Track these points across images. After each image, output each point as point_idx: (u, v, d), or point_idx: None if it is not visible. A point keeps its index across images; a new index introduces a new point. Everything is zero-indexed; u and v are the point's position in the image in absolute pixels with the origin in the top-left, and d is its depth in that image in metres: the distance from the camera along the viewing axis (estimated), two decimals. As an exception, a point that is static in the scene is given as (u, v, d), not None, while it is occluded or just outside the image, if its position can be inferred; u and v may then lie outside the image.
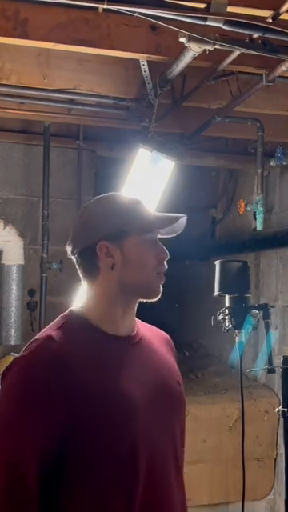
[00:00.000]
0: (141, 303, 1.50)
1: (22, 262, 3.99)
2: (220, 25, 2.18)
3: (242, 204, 3.85)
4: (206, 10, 2.16)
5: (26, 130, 4.16)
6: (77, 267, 1.49)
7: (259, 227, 3.49)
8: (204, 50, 2.33)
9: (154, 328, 1.60)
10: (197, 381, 4.74)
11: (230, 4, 2.18)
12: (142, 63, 2.90)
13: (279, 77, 2.71)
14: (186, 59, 2.47)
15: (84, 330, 1.42)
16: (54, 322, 1.45)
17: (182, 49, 2.42)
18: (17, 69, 3.03)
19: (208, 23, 2.17)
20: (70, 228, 1.51)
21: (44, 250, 3.98)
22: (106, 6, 2.18)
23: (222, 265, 3.03)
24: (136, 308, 1.50)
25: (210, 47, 2.30)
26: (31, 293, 4.17)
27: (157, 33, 2.52)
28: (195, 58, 2.45)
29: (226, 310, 2.96)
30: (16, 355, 1.40)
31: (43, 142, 4.01)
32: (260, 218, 3.47)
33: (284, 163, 3.94)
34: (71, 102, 3.31)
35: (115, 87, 3.15)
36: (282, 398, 2.96)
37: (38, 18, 2.40)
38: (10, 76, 3.03)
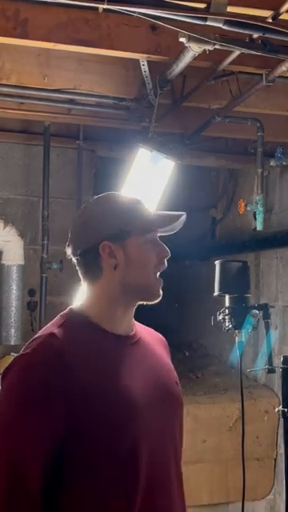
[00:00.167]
0: (141, 304, 1.51)
1: (21, 262, 3.99)
2: (220, 25, 2.18)
3: (242, 204, 3.85)
4: (206, 10, 2.16)
5: (26, 130, 4.16)
6: (77, 268, 1.49)
7: (259, 227, 3.49)
8: (204, 50, 2.33)
9: (151, 329, 1.61)
10: (197, 381, 4.74)
11: (230, 4, 2.18)
12: (141, 63, 2.90)
13: (279, 77, 2.71)
14: (186, 59, 2.47)
15: (85, 328, 1.42)
16: (54, 320, 1.44)
17: (182, 49, 2.42)
18: (17, 69, 3.03)
19: (208, 23, 2.17)
20: (70, 228, 1.51)
21: (44, 249, 3.98)
22: (106, 6, 2.18)
23: (221, 265, 3.03)
24: (135, 309, 1.50)
25: (210, 47, 2.31)
26: (31, 293, 4.17)
27: (157, 33, 2.52)
28: (195, 58, 2.45)
29: (226, 310, 2.96)
30: (16, 355, 1.40)
31: (43, 142, 4.01)
32: (260, 218, 3.47)
33: (284, 163, 3.94)
34: (71, 101, 3.31)
35: (115, 87, 3.15)
36: (282, 397, 2.96)
37: (38, 18, 2.40)
38: (10, 76, 3.03)
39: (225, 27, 2.19)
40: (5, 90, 3.11)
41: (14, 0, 2.39)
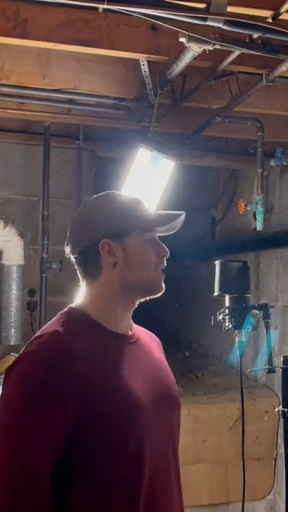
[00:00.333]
0: (142, 302, 1.51)
1: (21, 262, 3.99)
2: (220, 25, 2.18)
3: (242, 204, 3.85)
4: (206, 10, 2.16)
5: (26, 130, 4.16)
6: (76, 267, 1.49)
7: (259, 227, 3.49)
8: (204, 50, 2.33)
9: (145, 329, 1.61)
10: (197, 381, 4.75)
11: (230, 4, 2.18)
12: (142, 63, 2.90)
13: (279, 77, 2.71)
14: (186, 59, 2.47)
15: (86, 326, 1.42)
16: (55, 319, 1.44)
17: (182, 49, 2.42)
18: (17, 69, 3.03)
19: (208, 23, 2.17)
20: (69, 227, 1.51)
21: (44, 250, 3.99)
22: (106, 6, 2.18)
23: (221, 265, 3.03)
24: (134, 309, 1.50)
25: (210, 47, 2.31)
26: (31, 293, 4.17)
27: (157, 33, 2.52)
28: (195, 58, 2.45)
29: (226, 310, 2.96)
30: (16, 355, 1.40)
31: (43, 142, 4.01)
32: (260, 218, 3.47)
33: (284, 163, 3.94)
34: (71, 101, 3.31)
35: (115, 87, 3.15)
36: (282, 397, 2.96)
37: (38, 18, 2.40)
38: (10, 76, 3.03)
39: (225, 27, 2.19)
40: (5, 89, 3.11)
41: (14, 0, 2.39)
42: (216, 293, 3.03)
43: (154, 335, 1.63)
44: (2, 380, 1.35)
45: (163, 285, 1.48)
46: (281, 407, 2.94)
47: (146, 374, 1.44)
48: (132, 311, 1.49)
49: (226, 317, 2.95)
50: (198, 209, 5.51)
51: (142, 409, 1.36)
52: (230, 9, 2.19)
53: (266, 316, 2.98)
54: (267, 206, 3.96)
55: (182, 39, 2.27)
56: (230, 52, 2.48)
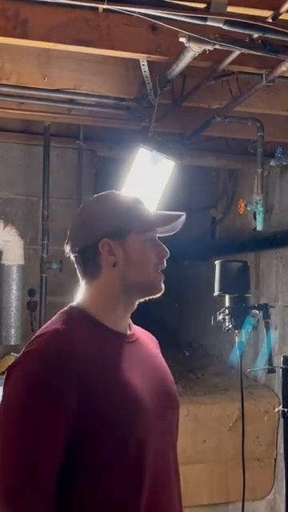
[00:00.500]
0: (142, 302, 1.51)
1: (22, 262, 3.99)
2: (220, 25, 2.18)
3: (242, 204, 3.85)
4: (206, 10, 2.16)
5: (26, 130, 4.16)
6: (76, 266, 1.49)
7: (259, 227, 3.49)
8: (204, 50, 2.33)
9: (143, 329, 1.61)
10: (197, 381, 4.74)
11: (230, 4, 2.18)
12: (142, 63, 2.90)
13: (279, 77, 2.71)
14: (186, 59, 2.47)
15: (87, 324, 1.42)
16: (56, 317, 1.44)
17: (182, 49, 2.42)
18: (17, 69, 3.03)
19: (208, 23, 2.17)
20: (69, 226, 1.51)
21: (44, 250, 3.98)
22: (106, 6, 2.18)
23: (221, 265, 3.03)
24: (134, 308, 1.50)
25: (210, 47, 2.31)
26: (31, 293, 4.17)
27: (157, 33, 2.52)
28: (195, 58, 2.45)
29: (226, 310, 2.96)
30: (16, 355, 1.40)
31: (43, 142, 4.01)
32: (260, 218, 3.47)
33: (284, 163, 3.94)
34: (71, 101, 3.31)
35: (115, 87, 3.15)
36: (282, 397, 2.96)
37: (38, 18, 2.40)
38: (10, 76, 3.03)
39: (225, 27, 2.19)
40: (5, 89, 3.11)
41: (14, 0, 2.39)
42: (216, 293, 3.03)
43: (151, 335, 1.63)
44: (4, 380, 1.35)
45: (163, 285, 1.48)
46: (281, 407, 2.94)
47: (146, 374, 1.45)
48: (131, 311, 1.49)
49: (226, 317, 2.95)
50: (198, 209, 5.51)
51: (143, 408, 1.36)
52: (230, 9, 2.19)
53: (266, 316, 2.98)
54: (267, 206, 3.96)
55: (181, 39, 2.28)
56: (230, 52, 2.48)
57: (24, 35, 2.43)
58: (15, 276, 3.95)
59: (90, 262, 1.45)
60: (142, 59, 2.81)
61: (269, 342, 2.98)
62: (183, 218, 1.49)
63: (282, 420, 3.08)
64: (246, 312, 2.94)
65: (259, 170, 3.57)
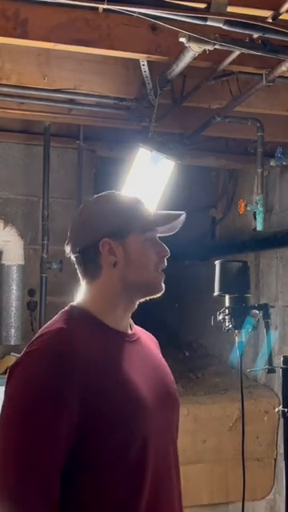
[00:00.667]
0: (142, 302, 1.51)
1: (22, 262, 3.99)
2: (220, 25, 2.18)
3: (242, 204, 3.85)
4: (206, 10, 2.17)
5: (26, 130, 4.16)
6: (76, 266, 1.49)
7: (259, 227, 3.49)
8: (204, 50, 2.34)
9: (143, 329, 1.61)
10: (197, 381, 4.74)
11: (230, 4, 2.18)
12: (142, 63, 2.90)
13: (279, 77, 2.71)
14: (186, 59, 2.47)
15: (88, 323, 1.42)
16: (57, 317, 1.44)
17: (182, 49, 2.42)
18: (17, 69, 3.03)
19: (208, 23, 2.17)
20: (69, 227, 1.51)
21: (44, 250, 3.98)
22: (106, 6, 2.18)
23: (221, 265, 3.03)
24: (135, 308, 1.50)
25: (209, 47, 2.31)
26: (31, 293, 4.16)
27: (157, 33, 2.52)
28: (195, 58, 2.45)
29: (226, 310, 2.96)
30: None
31: (43, 142, 4.01)
32: (260, 218, 3.47)
33: (284, 163, 3.94)
34: (71, 101, 3.31)
35: (115, 87, 3.15)
36: (282, 397, 2.96)
37: (38, 18, 2.40)
38: (10, 76, 3.03)
39: (225, 27, 2.19)
40: (5, 89, 3.11)
41: (14, 0, 2.39)
42: (216, 293, 3.03)
43: (151, 335, 1.63)
44: (5, 380, 1.35)
45: (163, 285, 1.48)
46: (281, 407, 2.94)
47: (147, 373, 1.45)
48: (132, 311, 1.49)
49: (226, 317, 2.95)
50: (198, 209, 5.51)
51: (145, 408, 1.37)
52: (230, 9, 2.19)
53: (266, 316, 2.97)
54: (267, 206, 3.96)
55: (182, 39, 2.28)
56: (230, 52, 2.48)
57: (24, 35, 2.43)
58: (15, 276, 3.95)
59: (90, 261, 1.45)
60: (142, 59, 2.81)
61: (269, 342, 2.98)
62: (183, 217, 1.50)
63: (282, 420, 3.08)
64: (246, 312, 2.94)
65: (259, 170, 3.57)
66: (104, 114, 3.43)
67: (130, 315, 1.50)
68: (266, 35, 2.28)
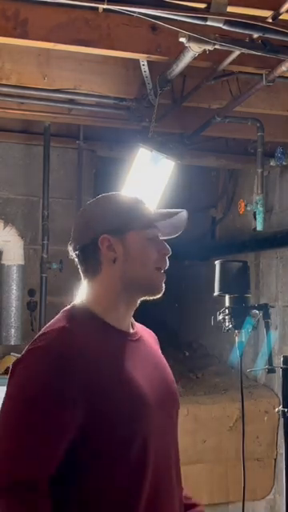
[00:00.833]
0: (142, 302, 1.51)
1: (22, 262, 3.99)
2: (220, 25, 2.18)
3: (242, 204, 3.85)
4: (206, 10, 2.17)
5: (26, 130, 4.16)
6: (78, 265, 1.49)
7: (259, 227, 3.49)
8: (204, 50, 2.34)
9: (143, 326, 1.61)
10: (197, 381, 4.74)
11: (230, 4, 2.19)
12: (142, 63, 2.90)
13: (279, 77, 2.71)
14: (186, 59, 2.47)
15: (90, 323, 1.42)
16: (59, 316, 1.44)
17: (182, 49, 2.42)
18: (17, 69, 3.03)
19: (208, 23, 2.17)
20: (72, 228, 1.52)
21: (44, 250, 3.98)
22: (106, 6, 2.18)
23: (221, 265, 3.03)
24: (137, 307, 1.50)
25: (209, 47, 2.31)
26: (31, 293, 4.16)
27: (157, 33, 2.52)
28: (195, 58, 2.45)
29: (226, 310, 2.96)
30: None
31: (43, 142, 4.01)
32: (260, 218, 3.47)
33: (284, 163, 3.94)
34: (71, 101, 3.31)
35: (115, 87, 3.15)
36: (282, 397, 2.96)
37: (38, 18, 2.40)
38: (10, 76, 3.03)
39: (225, 27, 2.19)
40: (5, 89, 3.11)
41: (14, 0, 2.39)
42: (216, 293, 3.03)
43: (151, 331, 1.63)
44: (8, 377, 1.35)
45: (163, 285, 1.48)
46: (281, 407, 2.93)
47: (149, 372, 1.45)
48: (133, 309, 1.50)
49: (226, 317, 2.95)
50: (198, 209, 5.51)
51: (147, 407, 1.37)
52: (230, 9, 2.19)
53: (266, 316, 2.97)
54: (267, 206, 3.96)
55: (182, 39, 2.28)
56: (230, 52, 2.48)
57: (24, 35, 2.43)
58: (15, 276, 3.95)
59: (90, 258, 1.46)
60: (142, 59, 2.81)
61: (269, 342, 2.98)
62: (185, 218, 1.50)
63: (282, 420, 3.07)
64: (246, 312, 2.94)
65: (259, 170, 3.57)
66: (104, 113, 3.43)
67: (132, 314, 1.50)
68: (266, 35, 2.28)
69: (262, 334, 3.23)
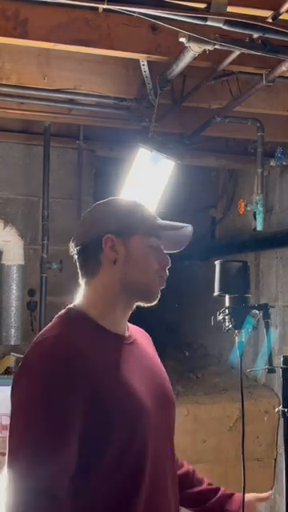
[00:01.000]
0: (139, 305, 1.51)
1: (22, 262, 3.99)
2: (220, 25, 2.18)
3: (242, 204, 3.85)
4: (206, 10, 2.16)
5: (26, 130, 4.16)
6: (77, 265, 1.49)
7: (259, 227, 3.49)
8: (204, 50, 2.33)
9: (137, 327, 1.61)
10: (197, 381, 4.74)
11: (230, 4, 2.18)
12: (142, 63, 2.90)
13: (279, 77, 2.71)
14: (186, 59, 2.47)
15: (86, 327, 1.42)
16: (55, 321, 1.44)
17: (182, 49, 2.42)
18: (17, 69, 3.03)
19: (208, 23, 2.17)
20: (75, 227, 1.52)
21: (44, 250, 3.98)
22: (106, 6, 2.18)
23: (221, 265, 3.02)
24: (132, 311, 1.51)
25: (209, 47, 2.30)
26: (31, 293, 4.16)
27: (157, 33, 2.52)
28: (195, 58, 2.45)
29: (226, 310, 2.95)
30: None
31: (43, 142, 4.01)
32: (260, 218, 3.47)
33: (284, 163, 3.94)
34: (71, 101, 3.31)
35: (115, 87, 3.15)
36: (282, 397, 2.95)
37: (37, 18, 2.40)
38: (10, 76, 3.03)
39: (225, 27, 2.19)
40: (5, 89, 3.11)
41: (14, 0, 2.39)
42: (216, 293, 3.02)
43: (144, 331, 1.63)
44: (11, 387, 1.34)
45: (159, 293, 1.48)
46: (281, 407, 2.93)
47: (146, 375, 1.45)
48: (129, 313, 1.50)
49: (226, 317, 2.94)
50: (198, 209, 5.51)
51: (145, 409, 1.37)
52: (230, 9, 2.19)
53: (266, 316, 2.96)
54: (267, 206, 3.96)
55: (182, 39, 2.27)
56: (230, 52, 2.48)
57: (24, 35, 2.43)
58: (15, 276, 3.95)
59: (90, 258, 1.45)
60: (142, 59, 2.81)
61: (269, 342, 2.97)
62: (190, 234, 1.51)
63: (282, 420, 3.07)
64: (246, 312, 2.93)
65: (259, 170, 3.57)
66: (104, 113, 3.43)
67: (127, 318, 1.50)
68: (266, 35, 2.27)
69: (262, 334, 3.22)
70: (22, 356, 3.64)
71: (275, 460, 4.20)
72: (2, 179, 4.21)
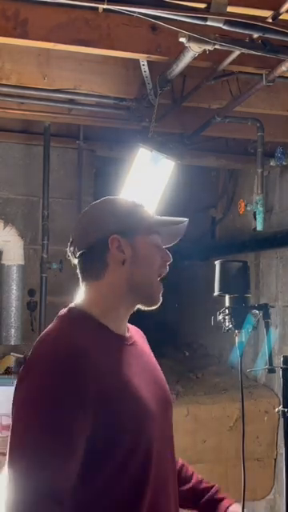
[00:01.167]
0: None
1: (22, 262, 3.99)
2: (220, 25, 2.18)
3: (242, 204, 3.85)
4: (206, 10, 2.16)
5: (26, 130, 4.16)
6: (78, 266, 1.48)
7: (259, 227, 3.49)
8: (204, 50, 2.33)
9: (132, 326, 1.60)
10: (197, 381, 4.74)
11: (230, 4, 2.18)
12: (142, 63, 2.90)
13: (279, 77, 2.71)
14: (186, 59, 2.47)
15: (89, 327, 1.41)
16: (57, 322, 1.43)
17: (182, 49, 2.42)
18: (17, 69, 3.03)
19: (208, 23, 2.17)
20: (74, 227, 1.51)
21: (44, 250, 3.98)
22: (106, 6, 2.18)
23: (221, 265, 3.02)
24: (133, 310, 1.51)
25: (210, 47, 2.30)
26: (31, 293, 4.17)
27: (157, 33, 2.52)
28: (195, 58, 2.45)
29: (226, 310, 2.95)
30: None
31: (43, 142, 4.01)
32: (260, 218, 3.47)
33: (284, 163, 3.94)
34: (71, 101, 3.31)
35: (115, 87, 3.15)
36: (282, 397, 2.95)
37: (38, 18, 2.40)
38: (10, 76, 3.03)
39: (225, 27, 2.19)
40: (5, 89, 3.11)
41: (14, 0, 2.39)
42: (216, 293, 3.02)
43: (139, 329, 1.62)
44: (14, 388, 1.33)
45: (160, 298, 1.49)
46: (281, 407, 2.93)
47: (146, 376, 1.45)
48: (130, 314, 1.50)
49: (226, 317, 2.94)
50: (198, 209, 5.51)
51: (151, 411, 1.38)
52: (230, 9, 2.19)
53: (266, 316, 2.96)
54: (267, 206, 3.96)
55: (182, 39, 2.27)
56: (230, 52, 2.48)
57: (24, 35, 2.43)
58: (15, 276, 3.95)
59: (96, 260, 1.44)
60: (142, 59, 2.81)
61: (269, 342, 2.97)
62: (185, 225, 1.51)
63: (282, 420, 3.07)
64: (246, 312, 2.93)
65: (259, 170, 3.57)
66: (104, 113, 3.43)
67: (128, 319, 1.50)
68: (266, 35, 2.27)
69: (262, 334, 3.22)
70: (21, 356, 3.64)
71: (275, 460, 4.20)
72: (2, 179, 4.21)
